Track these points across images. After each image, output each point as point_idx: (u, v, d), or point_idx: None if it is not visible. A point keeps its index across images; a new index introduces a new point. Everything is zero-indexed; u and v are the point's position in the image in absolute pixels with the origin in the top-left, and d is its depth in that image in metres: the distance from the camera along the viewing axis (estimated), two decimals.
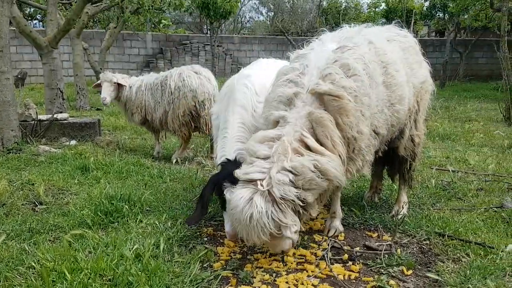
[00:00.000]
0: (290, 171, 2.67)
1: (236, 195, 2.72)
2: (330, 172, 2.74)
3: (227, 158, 3.33)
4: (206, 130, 6.10)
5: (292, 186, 2.67)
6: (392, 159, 3.88)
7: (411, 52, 3.59)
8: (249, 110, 3.56)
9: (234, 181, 3.07)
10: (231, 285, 2.76)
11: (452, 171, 5.22)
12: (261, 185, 2.67)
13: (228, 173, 3.11)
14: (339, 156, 2.85)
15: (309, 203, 2.79)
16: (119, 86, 6.19)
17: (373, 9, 23.40)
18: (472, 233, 3.46)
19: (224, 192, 3.07)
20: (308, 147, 2.80)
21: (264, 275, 2.87)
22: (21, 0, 11.85)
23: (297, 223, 2.77)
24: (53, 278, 2.62)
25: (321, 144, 2.83)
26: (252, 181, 2.73)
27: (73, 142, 6.48)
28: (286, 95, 2.97)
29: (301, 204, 2.73)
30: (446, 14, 21.59)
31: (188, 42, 20.42)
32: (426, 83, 3.70)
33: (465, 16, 21.69)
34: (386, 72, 3.24)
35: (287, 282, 2.79)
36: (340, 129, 2.88)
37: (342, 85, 2.89)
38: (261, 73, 3.89)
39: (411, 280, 2.85)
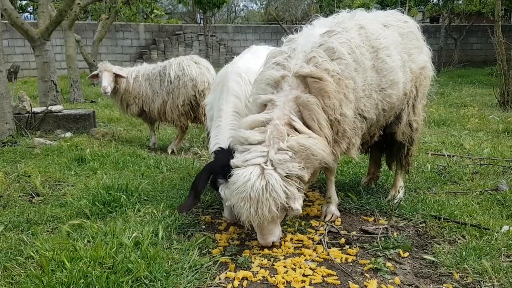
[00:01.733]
0: (288, 150, 2.79)
1: (245, 172, 2.78)
2: (317, 153, 2.84)
3: (220, 147, 3.34)
4: (204, 120, 6.09)
5: (293, 162, 2.78)
6: (390, 145, 3.90)
7: (410, 37, 3.60)
8: (242, 100, 3.56)
9: (228, 175, 3.08)
10: (230, 270, 2.78)
11: (447, 155, 5.25)
12: (266, 166, 2.77)
13: (221, 162, 3.14)
14: (326, 137, 2.96)
15: (304, 181, 2.90)
16: (116, 77, 6.14)
17: None
18: (467, 216, 3.50)
19: (219, 189, 3.15)
20: (296, 130, 2.90)
21: (262, 260, 2.90)
22: None
23: (301, 197, 2.87)
24: (52, 267, 2.63)
25: (308, 127, 2.94)
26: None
27: (68, 134, 6.46)
28: (274, 78, 3.05)
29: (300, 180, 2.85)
30: (440, 0, 21.50)
31: (182, 32, 20.26)
32: (426, 69, 3.70)
33: (459, 1, 21.62)
34: (376, 56, 3.28)
35: (285, 266, 2.82)
36: (323, 111, 2.96)
37: (324, 68, 2.97)
38: (255, 62, 3.88)
39: (408, 262, 2.89)
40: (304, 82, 3.00)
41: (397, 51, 3.44)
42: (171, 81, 5.96)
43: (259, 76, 3.22)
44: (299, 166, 2.81)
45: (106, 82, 6.00)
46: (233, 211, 3.21)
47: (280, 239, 3.20)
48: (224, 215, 3.34)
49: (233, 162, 2.94)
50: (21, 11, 23.17)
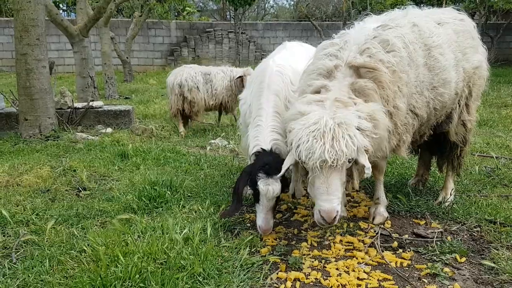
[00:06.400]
0: (356, 111, 2.67)
1: (316, 112, 2.64)
2: (382, 128, 2.71)
3: (262, 148, 3.21)
4: None
5: (362, 119, 2.66)
6: (442, 145, 3.79)
7: (466, 36, 3.48)
8: (282, 99, 3.43)
9: (269, 172, 3.02)
10: (281, 271, 2.74)
11: (495, 157, 5.06)
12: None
13: (263, 164, 3.06)
14: None
15: (363, 155, 2.66)
16: None
17: None
18: None
19: (258, 184, 3.03)
20: None
21: (313, 261, 2.84)
22: None
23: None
24: (106, 262, 2.65)
25: None
26: None
27: (109, 130, 6.55)
28: (327, 67, 2.96)
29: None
30: None
31: (212, 29, 20.33)
32: (480, 69, 3.58)
33: None
34: (429, 54, 3.20)
35: (337, 269, 2.76)
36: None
37: (379, 59, 2.90)
38: (292, 59, 3.79)
39: (466, 268, 2.78)
40: (357, 73, 2.92)
41: (450, 50, 3.34)
42: None
43: (310, 67, 3.13)
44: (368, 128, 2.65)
45: None
46: (268, 219, 3.13)
47: (329, 241, 3.15)
48: (258, 223, 3.15)
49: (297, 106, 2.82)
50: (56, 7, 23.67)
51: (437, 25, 3.40)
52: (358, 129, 2.60)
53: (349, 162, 2.65)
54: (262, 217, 3.12)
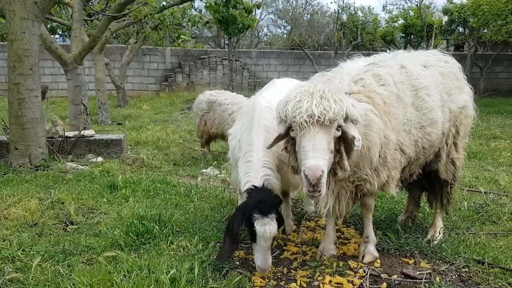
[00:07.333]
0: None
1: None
2: (376, 130, 2.79)
3: (253, 185, 3.20)
4: None
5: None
6: (432, 182, 3.84)
7: (451, 77, 3.60)
8: (272, 134, 3.46)
9: (264, 211, 3.01)
10: None
11: (484, 192, 5.09)
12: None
13: (256, 201, 3.04)
14: None
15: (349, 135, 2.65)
16: None
17: (391, 24, 23.33)
18: (511, 260, 3.36)
19: (255, 225, 3.00)
20: None
21: None
22: (46, 17, 12.07)
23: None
24: None
25: None
26: None
27: (99, 159, 6.51)
28: None
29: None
30: (466, 29, 21.40)
31: (206, 56, 20.57)
32: (466, 108, 3.67)
33: (485, 30, 21.46)
34: (416, 95, 3.31)
35: None
36: None
37: (372, 89, 2.99)
38: (283, 95, 3.83)
39: None
40: None
41: (437, 91, 3.46)
42: None
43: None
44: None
45: None
46: (266, 259, 3.07)
47: (319, 281, 3.12)
48: (256, 263, 3.12)
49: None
50: (51, 33, 23.83)
51: (423, 68, 3.53)
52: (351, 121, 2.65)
53: (338, 129, 2.62)
54: (261, 257, 3.08)
